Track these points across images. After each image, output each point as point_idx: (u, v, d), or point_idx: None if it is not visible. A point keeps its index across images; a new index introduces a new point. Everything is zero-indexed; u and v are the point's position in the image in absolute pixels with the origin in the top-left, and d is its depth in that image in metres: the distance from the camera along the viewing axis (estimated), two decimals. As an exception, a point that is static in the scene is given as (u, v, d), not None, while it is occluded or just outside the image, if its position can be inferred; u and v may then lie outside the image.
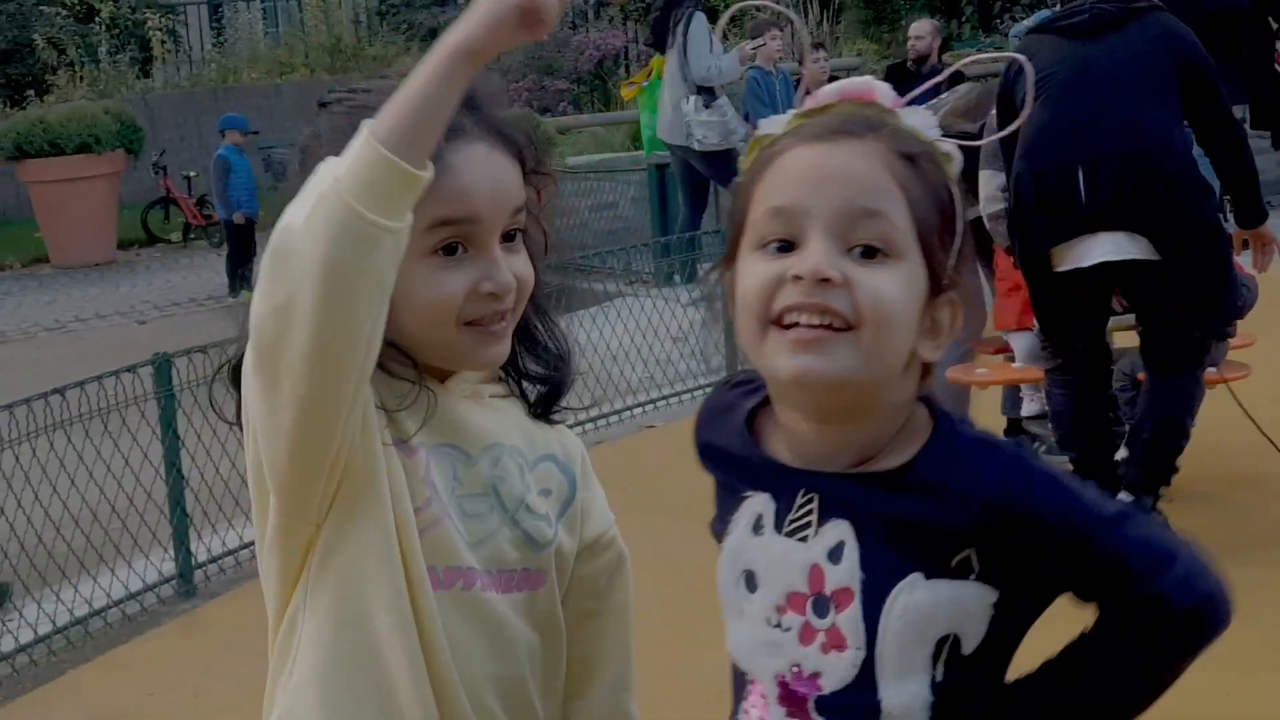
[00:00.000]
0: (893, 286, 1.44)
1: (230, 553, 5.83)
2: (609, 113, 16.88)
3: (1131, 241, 4.82)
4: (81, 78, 20.60)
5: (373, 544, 1.65)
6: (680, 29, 9.72)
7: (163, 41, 22.06)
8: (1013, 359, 6.09)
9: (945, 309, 1.52)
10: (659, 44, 10.01)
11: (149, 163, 17.52)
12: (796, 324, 1.44)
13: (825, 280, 1.43)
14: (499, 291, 1.69)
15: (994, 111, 6.20)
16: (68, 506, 5.32)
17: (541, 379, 1.82)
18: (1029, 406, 6.38)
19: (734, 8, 1.91)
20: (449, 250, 1.68)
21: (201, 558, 5.76)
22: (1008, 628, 1.52)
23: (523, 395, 1.82)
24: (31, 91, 20.47)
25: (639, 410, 7.64)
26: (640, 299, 8.14)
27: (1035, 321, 5.28)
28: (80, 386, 5.39)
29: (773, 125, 1.55)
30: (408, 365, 1.70)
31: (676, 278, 9.26)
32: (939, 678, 1.49)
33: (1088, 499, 1.50)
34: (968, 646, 1.50)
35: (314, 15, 21.99)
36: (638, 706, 1.88)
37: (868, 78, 1.56)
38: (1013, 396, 6.59)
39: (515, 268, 1.71)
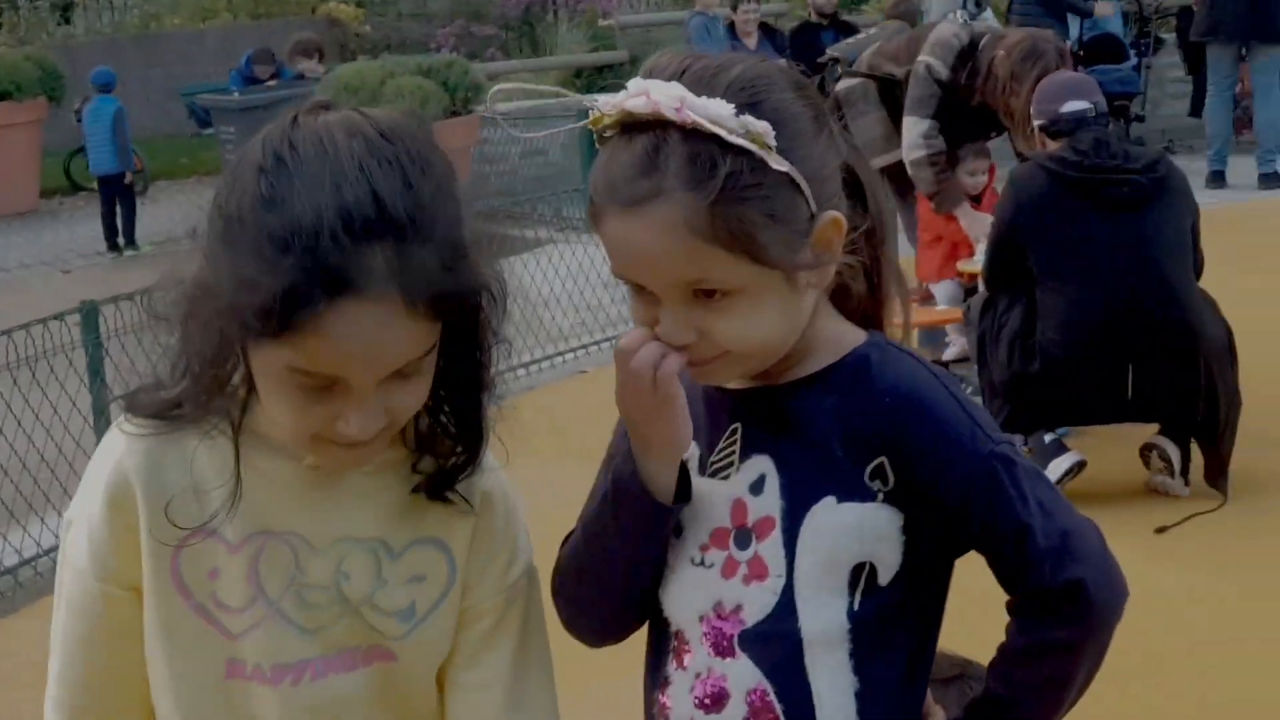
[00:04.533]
0: (740, 322, 1.52)
1: (161, 501, 5.80)
2: (538, 58, 16.78)
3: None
4: (0, 24, 20.26)
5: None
6: None
7: (83, -13, 21.72)
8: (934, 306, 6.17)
9: (825, 231, 1.54)
10: None
11: (71, 110, 17.27)
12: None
13: (683, 345, 1.52)
14: (357, 438, 1.48)
15: (926, 59, 6.22)
16: (-4, 456, 5.30)
17: (438, 464, 1.61)
18: (952, 351, 6.46)
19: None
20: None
21: (132, 506, 5.74)
22: (924, 557, 1.58)
23: (421, 454, 1.61)
24: (-51, 38, 20.12)
25: (570, 355, 7.67)
26: (571, 245, 8.15)
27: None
28: (8, 335, 5.36)
29: (604, 105, 1.53)
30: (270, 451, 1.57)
31: None
32: (855, 606, 1.56)
33: (986, 422, 1.58)
34: (884, 575, 1.56)
35: (237, -40, 21.69)
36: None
37: (650, 82, 1.50)
38: (933, 339, 6.67)
39: (396, 401, 1.49)
